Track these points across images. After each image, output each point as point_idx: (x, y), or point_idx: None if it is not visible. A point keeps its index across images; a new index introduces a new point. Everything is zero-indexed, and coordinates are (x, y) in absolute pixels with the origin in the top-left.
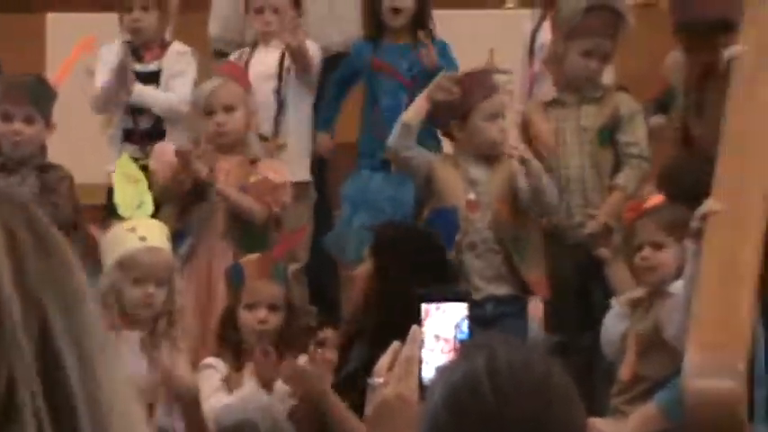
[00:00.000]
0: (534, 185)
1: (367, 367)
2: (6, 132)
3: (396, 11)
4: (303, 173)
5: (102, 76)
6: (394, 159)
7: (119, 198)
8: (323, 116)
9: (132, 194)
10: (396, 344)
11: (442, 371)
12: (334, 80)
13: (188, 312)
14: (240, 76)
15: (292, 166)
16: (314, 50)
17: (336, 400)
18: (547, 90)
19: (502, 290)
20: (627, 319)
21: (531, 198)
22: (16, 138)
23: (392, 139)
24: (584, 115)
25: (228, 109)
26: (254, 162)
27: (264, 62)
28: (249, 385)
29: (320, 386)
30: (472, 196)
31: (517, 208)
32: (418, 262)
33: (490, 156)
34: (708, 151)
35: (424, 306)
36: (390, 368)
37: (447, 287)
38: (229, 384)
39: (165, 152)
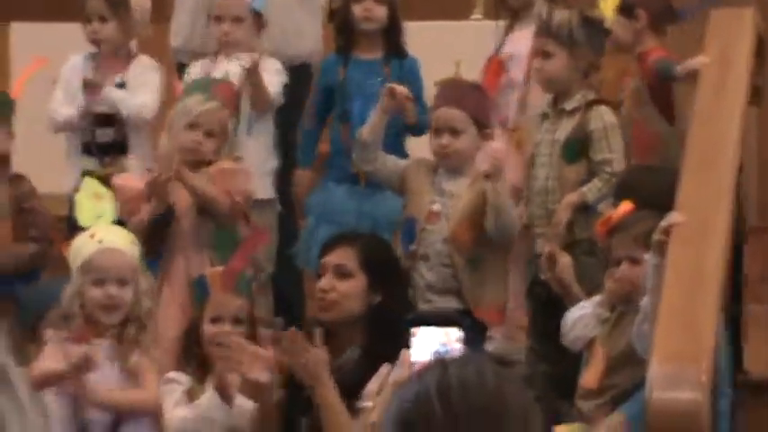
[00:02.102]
0: (494, 202)
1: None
2: None
3: (368, 19)
4: (264, 191)
5: (66, 107)
6: (364, 173)
7: (79, 213)
8: (303, 149)
9: (94, 209)
10: (385, 367)
11: (397, 392)
12: (311, 110)
13: (167, 321)
14: (232, 102)
15: (253, 185)
16: (275, 76)
17: (334, 389)
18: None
19: (450, 304)
20: (600, 325)
21: (489, 215)
22: None
23: (354, 156)
24: (562, 128)
25: (209, 134)
26: (207, 164)
27: (226, 74)
28: (206, 397)
29: (319, 368)
30: (436, 207)
31: (480, 232)
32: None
33: (466, 169)
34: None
35: (411, 330)
36: (379, 392)
37: (439, 311)
38: (191, 398)
39: (125, 189)
